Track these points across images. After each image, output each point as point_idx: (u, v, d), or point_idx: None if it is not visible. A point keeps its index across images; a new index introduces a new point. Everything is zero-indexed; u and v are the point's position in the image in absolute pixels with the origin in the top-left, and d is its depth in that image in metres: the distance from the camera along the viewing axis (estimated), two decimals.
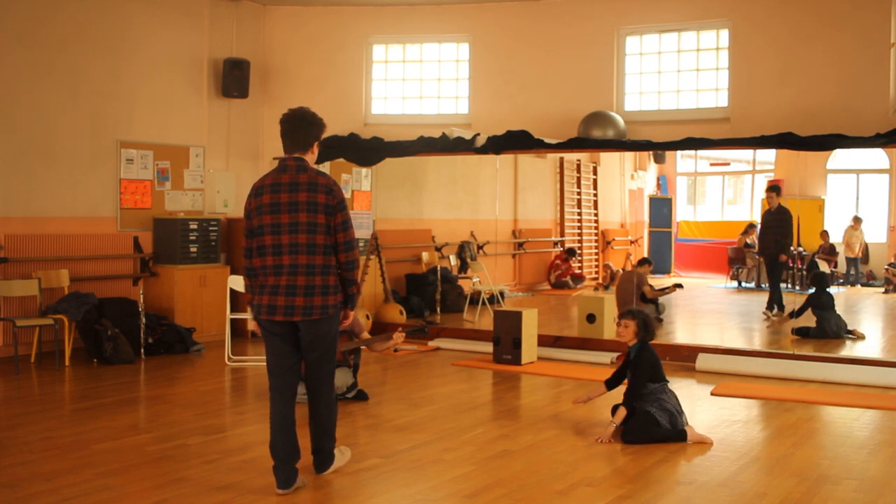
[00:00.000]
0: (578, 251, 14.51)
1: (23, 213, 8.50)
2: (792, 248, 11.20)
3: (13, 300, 8.29)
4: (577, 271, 14.11)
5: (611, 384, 6.05)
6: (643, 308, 10.24)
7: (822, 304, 9.71)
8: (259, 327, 4.60)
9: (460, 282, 12.00)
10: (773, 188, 11.11)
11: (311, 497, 4.45)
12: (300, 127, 4.54)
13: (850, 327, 9.77)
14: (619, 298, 10.56)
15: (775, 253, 10.97)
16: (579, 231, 14.78)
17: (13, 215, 8.42)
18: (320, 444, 4.77)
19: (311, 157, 4.58)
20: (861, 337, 9.68)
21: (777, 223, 10.99)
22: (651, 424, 5.58)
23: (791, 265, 11.74)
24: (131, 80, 9.40)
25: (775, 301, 10.97)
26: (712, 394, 7.16)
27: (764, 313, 11.02)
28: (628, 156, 14.49)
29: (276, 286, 4.44)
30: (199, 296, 9.48)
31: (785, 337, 9.68)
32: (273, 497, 4.44)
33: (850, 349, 9.17)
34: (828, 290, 9.88)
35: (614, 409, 5.93)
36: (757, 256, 11.57)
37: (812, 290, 10.06)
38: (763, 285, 12.61)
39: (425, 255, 12.08)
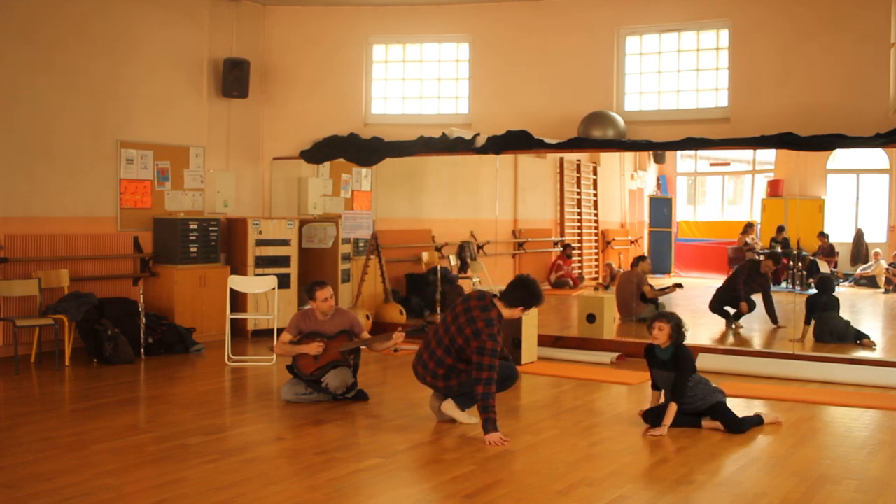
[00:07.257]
0: (577, 248, 14.50)
1: (23, 213, 8.50)
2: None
3: (13, 300, 8.29)
4: (575, 273, 14.10)
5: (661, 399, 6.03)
6: (644, 309, 10.26)
7: (821, 306, 9.59)
8: None
9: (460, 282, 11.97)
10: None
11: (312, 497, 4.45)
12: None
13: (857, 329, 9.47)
14: (619, 298, 10.54)
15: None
16: (579, 231, 14.77)
17: (13, 215, 8.42)
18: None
19: None
20: (871, 346, 9.30)
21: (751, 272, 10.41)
22: (730, 410, 5.89)
23: (791, 265, 11.65)
24: (131, 79, 9.40)
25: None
26: None
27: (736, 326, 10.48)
28: (628, 156, 14.44)
29: None
30: (199, 296, 9.47)
31: (785, 337, 9.66)
32: (272, 497, 4.44)
33: (851, 350, 9.14)
34: (832, 293, 9.68)
35: (646, 414, 5.96)
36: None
37: (813, 292, 9.93)
38: None
39: (425, 255, 12.07)
